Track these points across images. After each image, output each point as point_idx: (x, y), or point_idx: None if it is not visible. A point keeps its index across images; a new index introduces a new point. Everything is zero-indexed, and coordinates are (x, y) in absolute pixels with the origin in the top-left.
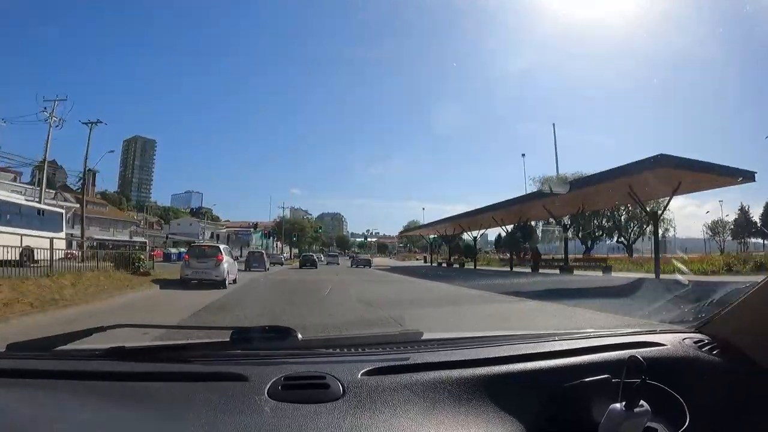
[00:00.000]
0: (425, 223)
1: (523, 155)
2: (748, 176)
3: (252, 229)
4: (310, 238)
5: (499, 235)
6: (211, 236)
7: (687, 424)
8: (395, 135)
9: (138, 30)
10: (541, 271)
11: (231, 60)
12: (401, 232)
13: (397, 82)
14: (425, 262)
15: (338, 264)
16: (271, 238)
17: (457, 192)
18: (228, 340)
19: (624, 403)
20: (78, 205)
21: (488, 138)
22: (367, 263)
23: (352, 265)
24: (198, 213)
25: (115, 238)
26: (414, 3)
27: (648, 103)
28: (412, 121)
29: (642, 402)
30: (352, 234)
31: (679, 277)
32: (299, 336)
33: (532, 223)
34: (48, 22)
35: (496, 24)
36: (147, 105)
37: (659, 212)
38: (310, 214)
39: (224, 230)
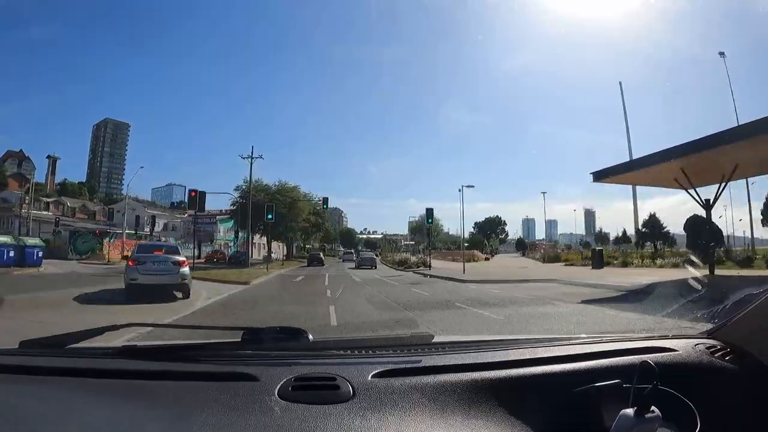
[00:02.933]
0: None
1: (722, 53)
2: None
3: (218, 217)
4: (307, 223)
5: None
6: (165, 228)
7: (698, 430)
8: (394, 134)
9: (127, 21)
10: None
11: (230, 55)
12: (410, 226)
13: (391, 81)
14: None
15: (353, 261)
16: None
17: (452, 192)
18: (239, 340)
19: (635, 408)
20: None
21: (485, 137)
22: (372, 263)
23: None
24: (178, 207)
25: None
26: (415, 3)
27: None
28: (410, 120)
29: (653, 408)
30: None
31: None
32: (310, 337)
33: None
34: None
35: (499, 21)
36: (141, 100)
37: None
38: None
39: (179, 220)
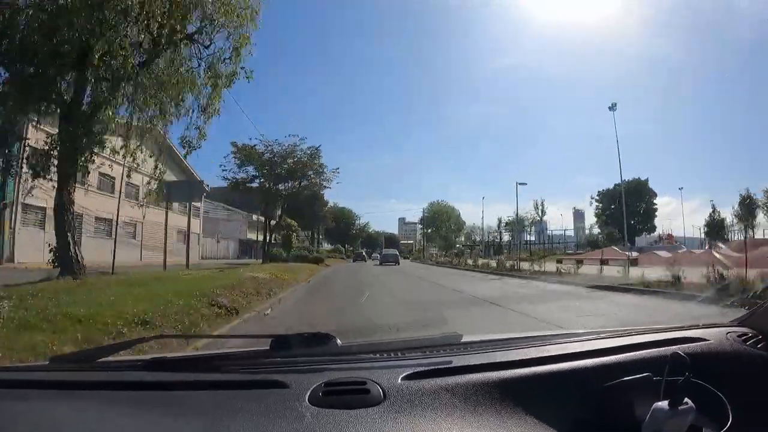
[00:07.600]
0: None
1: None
2: None
3: None
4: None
5: None
6: None
7: (731, 421)
8: (378, 133)
9: None
10: None
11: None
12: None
13: (376, 81)
14: None
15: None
16: None
17: (445, 191)
18: (268, 348)
19: (668, 401)
20: None
21: (478, 135)
22: (396, 259)
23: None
24: None
25: None
26: (415, 2)
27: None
28: (400, 119)
29: (686, 399)
30: None
31: None
32: (339, 342)
33: None
34: None
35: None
36: None
37: None
38: None
39: None
